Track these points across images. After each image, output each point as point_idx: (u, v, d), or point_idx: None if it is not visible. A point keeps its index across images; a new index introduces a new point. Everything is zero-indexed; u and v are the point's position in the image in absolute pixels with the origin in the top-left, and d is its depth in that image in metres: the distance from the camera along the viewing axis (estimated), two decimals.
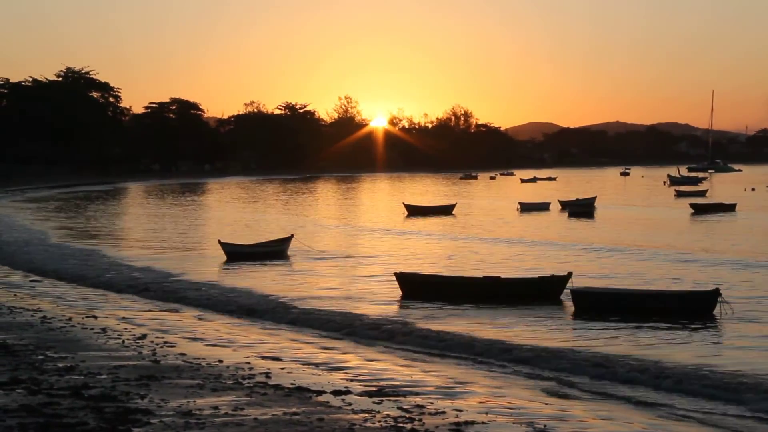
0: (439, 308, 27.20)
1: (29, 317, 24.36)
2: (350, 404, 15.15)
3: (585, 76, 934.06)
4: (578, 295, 26.60)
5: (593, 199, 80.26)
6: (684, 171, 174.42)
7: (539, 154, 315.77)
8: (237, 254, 40.50)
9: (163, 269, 37.08)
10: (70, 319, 24.29)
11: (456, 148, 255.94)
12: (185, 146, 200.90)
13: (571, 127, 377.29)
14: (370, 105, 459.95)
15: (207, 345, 21.24)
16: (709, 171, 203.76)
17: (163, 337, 21.87)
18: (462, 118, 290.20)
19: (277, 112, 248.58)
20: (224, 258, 40.41)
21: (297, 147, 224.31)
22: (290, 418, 13.87)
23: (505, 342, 21.85)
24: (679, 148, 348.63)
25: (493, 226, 56.63)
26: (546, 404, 16.24)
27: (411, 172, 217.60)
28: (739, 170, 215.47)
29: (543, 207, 78.34)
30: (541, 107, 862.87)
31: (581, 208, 72.63)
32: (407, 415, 14.52)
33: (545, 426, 14.12)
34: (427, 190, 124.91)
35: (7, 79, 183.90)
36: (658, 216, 64.64)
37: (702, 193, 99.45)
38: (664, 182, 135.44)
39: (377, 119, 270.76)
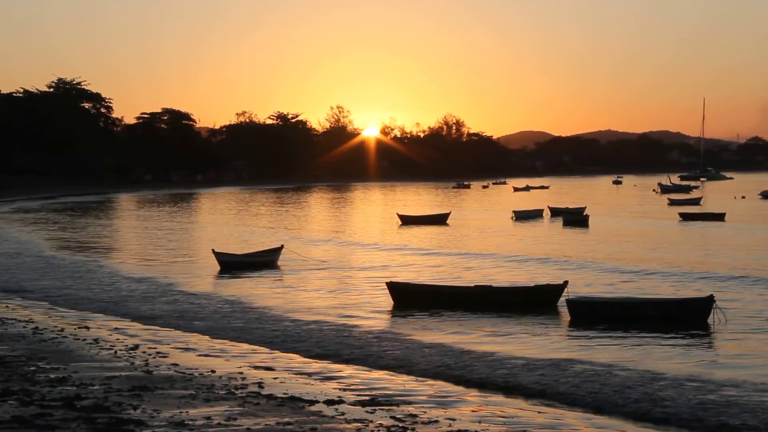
0: (431, 317, 27.12)
1: (21, 328, 24.31)
2: (343, 414, 15.15)
3: (576, 84, 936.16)
4: (573, 303, 26.59)
5: (583, 208, 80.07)
6: (676, 179, 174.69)
7: (531, 163, 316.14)
8: (230, 264, 40.65)
9: (156, 279, 37.03)
10: (62, 329, 24.25)
11: (448, 157, 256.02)
12: (177, 156, 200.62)
13: (563, 135, 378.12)
14: (362, 114, 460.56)
15: (199, 355, 21.22)
16: (701, 179, 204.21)
17: (155, 348, 21.85)
18: (454, 127, 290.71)
19: (269, 121, 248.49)
20: (217, 267, 40.44)
21: (289, 157, 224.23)
22: (283, 428, 13.87)
23: (496, 353, 21.71)
24: (671, 156, 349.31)
25: (488, 240, 55.46)
26: (539, 413, 16.25)
27: (403, 182, 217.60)
28: (731, 178, 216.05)
29: (536, 214, 78.80)
30: (533, 116, 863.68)
31: (574, 217, 72.81)
32: (400, 425, 14.53)
33: None
34: (419, 199, 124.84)
35: None
36: (650, 227, 63.83)
37: (696, 201, 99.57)
38: (654, 190, 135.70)
39: (369, 129, 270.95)
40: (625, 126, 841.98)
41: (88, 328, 24.90)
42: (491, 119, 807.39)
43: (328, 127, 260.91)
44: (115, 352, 20.95)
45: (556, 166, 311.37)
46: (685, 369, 19.56)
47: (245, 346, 22.67)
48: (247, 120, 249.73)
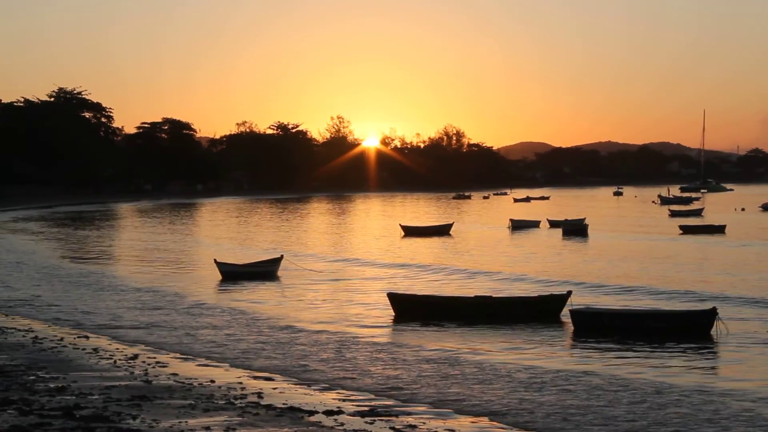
0: (432, 329, 27.09)
1: (21, 337, 24.31)
2: (342, 424, 15.14)
3: (576, 95, 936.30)
4: (578, 314, 26.57)
5: (582, 220, 79.63)
6: (676, 191, 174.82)
7: (531, 174, 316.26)
8: (231, 273, 40.83)
9: (160, 289, 37.05)
10: (61, 339, 24.25)
11: (448, 168, 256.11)
12: (177, 166, 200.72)
13: (563, 146, 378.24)
14: (362, 125, 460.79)
15: (199, 365, 21.21)
16: (702, 191, 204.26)
17: (155, 357, 21.84)
18: (454, 138, 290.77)
19: (269, 131, 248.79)
20: (219, 277, 40.52)
21: (289, 167, 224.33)
22: None
23: (499, 362, 21.71)
24: (671, 167, 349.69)
25: (488, 256, 53.55)
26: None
27: (403, 192, 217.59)
28: (731, 190, 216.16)
29: (533, 225, 79.08)
30: (533, 127, 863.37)
31: (573, 227, 72.76)
32: None
33: None
34: (421, 210, 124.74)
35: (0, 100, 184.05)
36: (650, 242, 62.28)
37: (697, 213, 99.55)
38: (654, 202, 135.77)
39: (369, 139, 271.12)
40: (625, 137, 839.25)
41: (87, 337, 24.91)
42: (491, 130, 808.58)
43: (328, 137, 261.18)
44: (115, 361, 20.95)
45: (557, 177, 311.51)
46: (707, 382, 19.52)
47: (245, 356, 22.62)
48: (248, 130, 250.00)
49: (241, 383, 18.75)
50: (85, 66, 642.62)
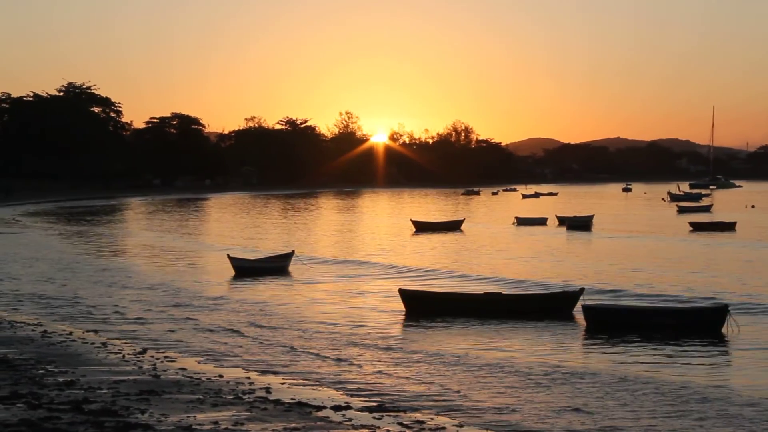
0: (443, 325, 27.07)
1: (30, 332, 24.36)
2: (350, 420, 15.14)
3: (585, 92, 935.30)
4: (590, 311, 26.54)
5: (591, 217, 79.14)
6: (685, 187, 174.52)
7: (540, 170, 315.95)
8: (245, 269, 40.94)
9: (170, 284, 37.12)
10: (70, 333, 24.29)
11: (457, 164, 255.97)
12: (186, 161, 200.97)
13: (572, 142, 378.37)
14: (370, 120, 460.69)
15: (207, 360, 21.22)
16: (711, 187, 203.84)
17: (163, 352, 21.86)
18: (463, 134, 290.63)
19: (278, 127, 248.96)
20: (231, 273, 40.62)
21: (298, 162, 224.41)
22: None
23: (509, 359, 21.67)
24: (680, 164, 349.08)
25: (497, 259, 50.37)
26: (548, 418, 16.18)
27: (411, 188, 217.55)
28: (740, 186, 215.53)
29: (540, 222, 78.39)
30: (542, 123, 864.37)
31: (578, 223, 72.69)
32: (407, 431, 14.52)
33: None
34: (430, 206, 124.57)
35: (9, 94, 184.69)
36: (660, 242, 59.35)
37: (706, 209, 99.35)
38: (663, 199, 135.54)
39: (378, 135, 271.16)
40: (634, 133, 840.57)
41: (96, 331, 24.94)
42: (500, 126, 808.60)
43: (336, 132, 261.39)
44: (123, 356, 20.98)
45: (565, 173, 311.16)
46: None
47: (255, 351, 22.62)
48: (256, 125, 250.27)
49: (249, 378, 18.76)
50: (94, 61, 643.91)
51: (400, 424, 15.03)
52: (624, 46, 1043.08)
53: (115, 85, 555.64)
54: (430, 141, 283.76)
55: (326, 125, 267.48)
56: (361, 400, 16.99)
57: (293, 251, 44.03)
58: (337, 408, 16.00)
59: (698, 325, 25.34)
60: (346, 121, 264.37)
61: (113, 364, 19.86)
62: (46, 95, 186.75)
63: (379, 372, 20.10)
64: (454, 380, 19.25)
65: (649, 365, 21.01)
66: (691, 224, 71.17)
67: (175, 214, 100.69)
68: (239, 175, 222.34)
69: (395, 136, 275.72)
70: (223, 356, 21.80)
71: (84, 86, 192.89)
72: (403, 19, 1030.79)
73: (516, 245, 57.12)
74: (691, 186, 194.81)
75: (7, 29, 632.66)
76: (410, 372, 20.10)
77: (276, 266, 41.96)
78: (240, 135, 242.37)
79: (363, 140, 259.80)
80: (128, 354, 21.26)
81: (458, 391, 18.15)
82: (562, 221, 76.58)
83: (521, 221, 77.87)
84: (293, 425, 14.34)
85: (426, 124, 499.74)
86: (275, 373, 19.72)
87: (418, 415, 15.84)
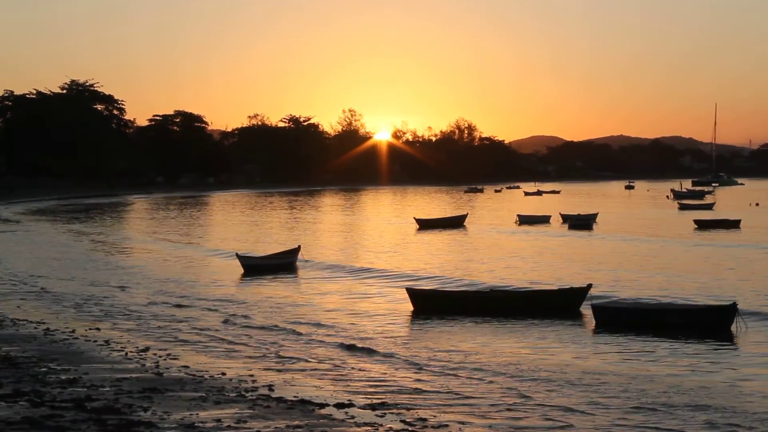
0: (451, 324, 26.98)
1: (32, 329, 24.38)
2: (353, 417, 15.12)
3: (588, 89, 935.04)
4: (601, 310, 26.47)
5: (595, 215, 78.83)
6: (688, 185, 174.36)
7: (543, 168, 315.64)
8: (253, 267, 41.12)
9: (178, 282, 37.17)
10: (73, 331, 24.30)
11: (460, 162, 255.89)
12: (189, 159, 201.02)
13: (575, 140, 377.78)
14: (373, 118, 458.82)
15: (210, 357, 21.21)
16: (713, 184, 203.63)
17: (166, 349, 21.85)
18: (466, 132, 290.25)
19: (281, 125, 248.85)
20: (240, 271, 40.85)
21: (301, 160, 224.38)
22: (293, 431, 13.87)
23: (520, 358, 21.59)
24: (683, 161, 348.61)
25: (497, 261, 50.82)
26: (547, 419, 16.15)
27: (415, 185, 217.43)
28: (742, 184, 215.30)
29: (543, 220, 77.64)
30: (545, 121, 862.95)
31: (579, 221, 72.46)
32: (410, 429, 14.51)
33: None
34: (434, 203, 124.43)
35: (12, 92, 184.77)
36: (664, 244, 56.77)
37: (709, 206, 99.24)
38: (667, 196, 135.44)
39: (381, 132, 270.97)
40: (637, 131, 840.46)
41: (99, 329, 24.93)
42: (503, 124, 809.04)
43: (340, 130, 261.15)
44: (126, 353, 20.97)
45: (568, 170, 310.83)
46: None
47: (257, 348, 22.61)
48: (259, 123, 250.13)
49: (252, 376, 18.74)
50: (98, 58, 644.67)
51: (403, 421, 15.01)
52: (627, 44, 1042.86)
53: (119, 83, 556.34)
54: (434, 139, 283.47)
55: (329, 123, 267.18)
56: (363, 398, 16.96)
57: (299, 246, 44.26)
58: (339, 405, 15.98)
59: (708, 323, 25.29)
60: (349, 119, 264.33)
61: (116, 361, 19.86)
62: (49, 93, 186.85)
63: (383, 370, 20.06)
64: (457, 378, 19.22)
65: (663, 365, 20.85)
66: (696, 222, 70.91)
67: (177, 213, 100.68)
68: (242, 172, 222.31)
69: (398, 134, 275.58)
70: (226, 354, 21.78)
71: (87, 84, 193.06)
72: (407, 19, 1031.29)
73: (517, 245, 56.94)
74: (694, 183, 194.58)
75: (11, 26, 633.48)
76: (414, 369, 20.06)
77: (284, 262, 42.12)
78: (243, 133, 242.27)
79: (366, 138, 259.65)
80: (131, 352, 21.25)
81: (462, 389, 18.12)
82: (566, 219, 75.97)
83: (524, 219, 77.36)
84: (296, 423, 14.33)
85: (429, 122, 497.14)
86: (278, 370, 19.69)
87: (420, 413, 15.81)
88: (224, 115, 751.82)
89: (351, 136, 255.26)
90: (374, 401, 16.66)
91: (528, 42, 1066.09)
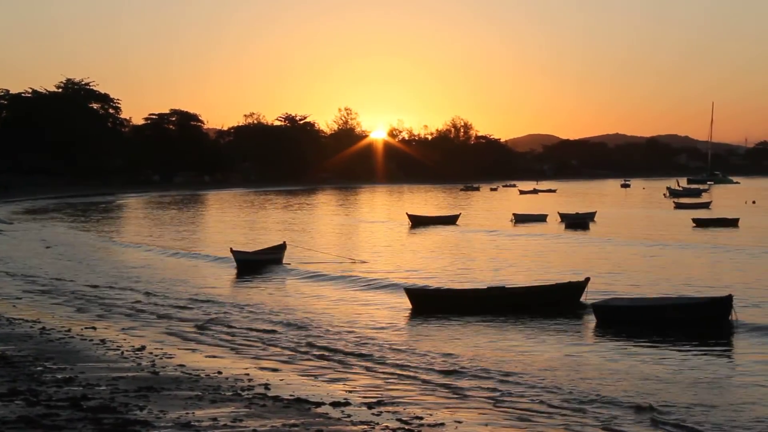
0: (449, 322, 26.93)
1: (28, 328, 24.35)
2: (349, 416, 15.13)
3: (584, 88, 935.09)
4: (598, 308, 26.48)
5: (593, 213, 78.78)
6: (684, 183, 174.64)
7: (539, 166, 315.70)
8: (246, 261, 42.31)
9: (173, 280, 37.16)
10: (69, 330, 24.27)
11: (456, 160, 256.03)
12: (185, 157, 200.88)
13: (571, 138, 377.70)
14: (369, 117, 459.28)
15: (206, 356, 21.20)
16: (708, 183, 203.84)
17: (162, 348, 21.83)
18: (462, 130, 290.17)
19: (277, 123, 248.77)
20: (234, 266, 41.89)
21: (297, 158, 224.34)
22: (289, 429, 13.86)
23: (518, 358, 21.54)
24: (679, 160, 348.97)
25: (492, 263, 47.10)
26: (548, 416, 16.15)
27: (411, 184, 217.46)
28: (737, 182, 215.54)
29: (539, 219, 76.91)
30: (540, 119, 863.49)
31: (576, 220, 72.11)
32: (406, 427, 14.51)
33: None
34: (429, 201, 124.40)
35: (7, 91, 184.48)
36: (662, 246, 55.83)
37: (705, 205, 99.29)
38: (664, 194, 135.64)
39: (377, 131, 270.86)
40: (633, 129, 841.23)
41: (95, 328, 24.91)
42: (499, 122, 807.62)
43: (336, 129, 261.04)
44: (122, 352, 20.96)
45: (564, 169, 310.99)
46: None
47: (253, 347, 22.59)
48: (255, 121, 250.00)
49: (248, 375, 18.74)
50: (94, 57, 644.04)
51: (399, 419, 15.02)
52: (623, 42, 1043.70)
53: (115, 82, 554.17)
54: (430, 137, 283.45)
55: (326, 121, 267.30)
56: (359, 396, 16.96)
57: (284, 243, 45.23)
58: (336, 404, 15.98)
59: (709, 316, 25.49)
60: (345, 118, 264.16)
61: (112, 360, 19.84)
62: (44, 91, 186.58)
63: (379, 369, 20.05)
64: (454, 376, 19.22)
65: (663, 362, 20.88)
66: (694, 221, 70.67)
67: (173, 212, 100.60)
68: (238, 171, 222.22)
69: (394, 132, 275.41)
70: (222, 353, 21.77)
71: (83, 82, 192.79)
72: (403, 17, 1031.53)
73: (513, 244, 56.91)
74: (689, 182, 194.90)
75: (6, 25, 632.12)
76: (410, 368, 20.06)
77: (273, 257, 43.46)
78: (239, 131, 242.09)
79: (362, 136, 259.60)
80: (127, 350, 21.24)
81: (458, 387, 18.13)
82: (564, 218, 75.03)
83: (519, 218, 76.77)
84: (292, 421, 14.34)
85: (425, 121, 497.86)
86: (274, 369, 19.69)
87: (417, 411, 15.81)
88: (220, 114, 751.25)
89: (347, 134, 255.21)
90: (370, 399, 16.66)
91: (524, 40, 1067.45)
